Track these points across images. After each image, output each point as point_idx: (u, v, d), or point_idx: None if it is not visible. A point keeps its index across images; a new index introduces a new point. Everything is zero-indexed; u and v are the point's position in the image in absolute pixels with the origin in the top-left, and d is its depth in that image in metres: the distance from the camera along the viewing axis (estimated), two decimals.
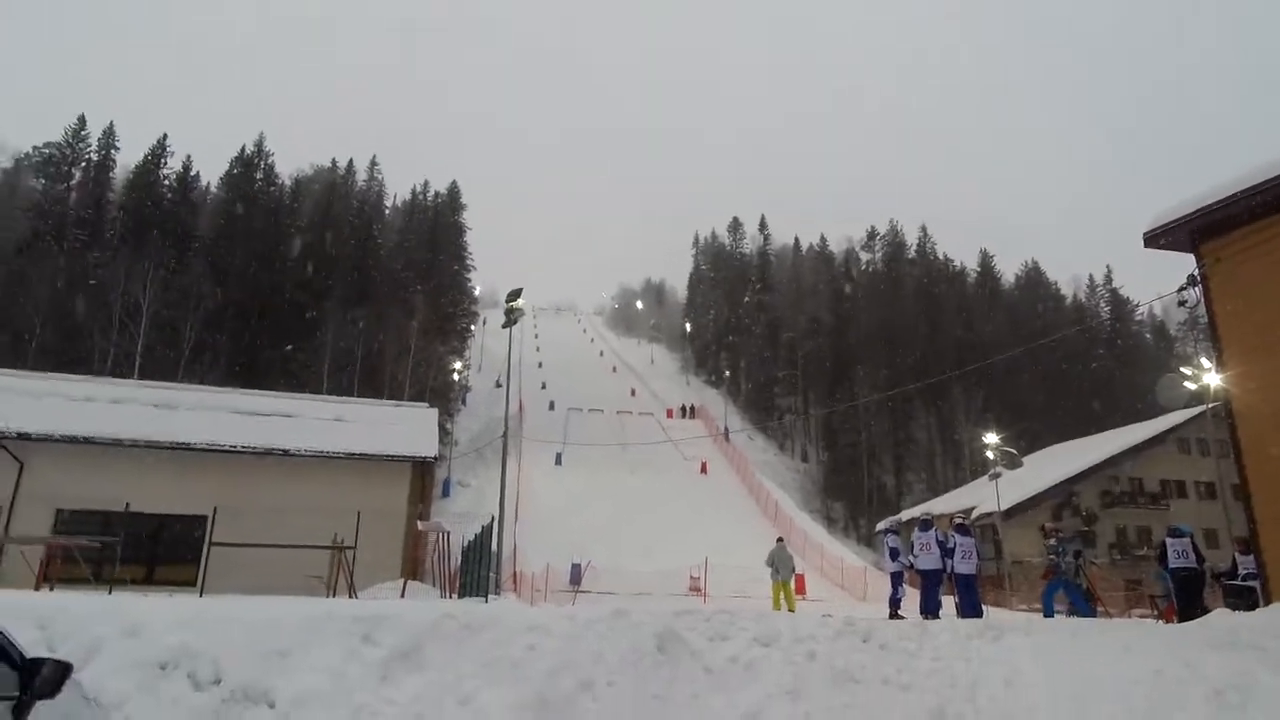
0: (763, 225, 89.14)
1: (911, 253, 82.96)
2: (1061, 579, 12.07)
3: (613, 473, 45.89)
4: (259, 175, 60.94)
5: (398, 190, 79.80)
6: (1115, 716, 5.33)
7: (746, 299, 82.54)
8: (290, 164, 77.58)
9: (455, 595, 16.91)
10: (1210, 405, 33.16)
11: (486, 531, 15.88)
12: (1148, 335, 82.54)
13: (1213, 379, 25.11)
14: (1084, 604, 11.95)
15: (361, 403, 28.89)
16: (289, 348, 50.61)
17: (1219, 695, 5.59)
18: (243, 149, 61.40)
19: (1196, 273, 9.67)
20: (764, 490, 46.53)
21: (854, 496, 62.62)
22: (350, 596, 13.56)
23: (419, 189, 72.88)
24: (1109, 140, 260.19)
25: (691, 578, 28.26)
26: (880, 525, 23.94)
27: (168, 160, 58.90)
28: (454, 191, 71.86)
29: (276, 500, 17.17)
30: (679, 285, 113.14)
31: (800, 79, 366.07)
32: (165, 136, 59.30)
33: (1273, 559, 8.34)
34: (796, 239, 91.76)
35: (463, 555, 18.42)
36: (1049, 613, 12.16)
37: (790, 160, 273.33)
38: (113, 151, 58.89)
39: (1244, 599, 10.04)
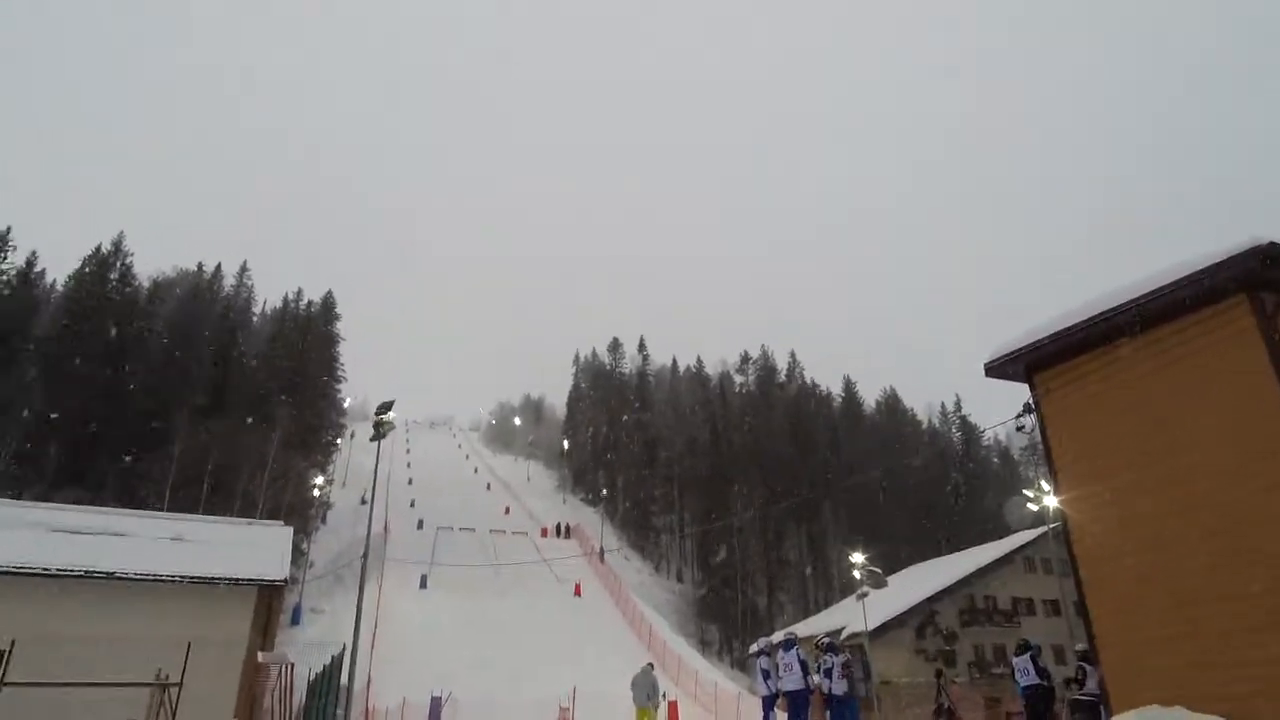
0: (642, 346, 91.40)
1: (782, 377, 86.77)
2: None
3: (482, 596, 43.79)
4: (114, 275, 57.31)
5: (269, 297, 77.13)
6: None
7: (625, 417, 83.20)
8: (152, 265, 73.86)
9: None
10: (1050, 526, 35.62)
11: (336, 663, 14.54)
12: (995, 459, 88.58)
13: (1051, 501, 27.11)
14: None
15: (206, 520, 26.48)
16: (128, 459, 46.32)
17: None
18: (98, 247, 57.88)
19: (1031, 402, 10.54)
20: (639, 613, 45.44)
21: (728, 618, 62.08)
22: None
23: (291, 296, 70.61)
24: (951, 281, 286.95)
25: (561, 708, 26.78)
26: (752, 648, 23.66)
27: (7, 254, 54.54)
28: (329, 301, 69.98)
29: (95, 630, 15.23)
30: (558, 402, 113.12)
31: (682, 209, 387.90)
32: (9, 230, 55.17)
33: (1110, 674, 8.75)
34: (674, 360, 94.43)
35: (308, 690, 16.71)
36: None
37: (671, 286, 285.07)
38: None
39: (1086, 713, 10.47)
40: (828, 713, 12.02)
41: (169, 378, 52.31)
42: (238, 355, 58.27)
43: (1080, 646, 12.64)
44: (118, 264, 57.87)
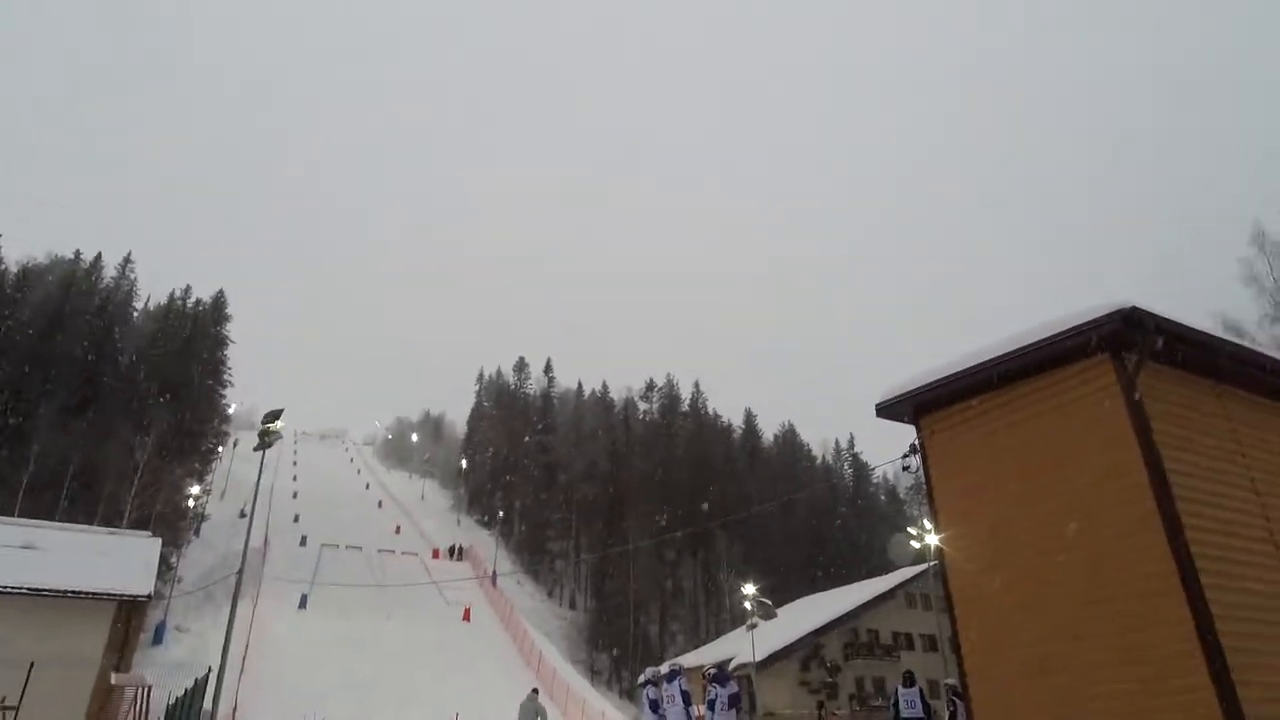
0: (548, 367, 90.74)
1: (685, 406, 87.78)
2: None
3: (366, 618, 42.08)
4: None
5: (154, 294, 72.58)
6: None
7: (527, 439, 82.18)
8: (23, 250, 68.46)
9: None
10: (930, 563, 37.20)
11: (200, 686, 13.63)
12: (883, 497, 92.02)
13: (932, 539, 28.37)
14: None
15: (64, 528, 24.47)
16: None
17: None
18: None
19: (917, 442, 11.04)
20: (529, 639, 44.66)
21: (620, 646, 61.72)
22: None
23: (179, 294, 66.60)
24: (861, 314, 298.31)
25: None
26: (641, 677, 23.65)
27: None
28: (219, 300, 66.33)
29: None
30: (459, 420, 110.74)
31: (591, 234, 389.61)
32: None
33: (978, 709, 9.16)
34: (580, 383, 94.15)
35: (166, 716, 15.58)
36: None
37: (582, 307, 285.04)
38: None
39: None
40: None
41: (32, 372, 48.35)
42: (113, 352, 54.45)
43: (950, 680, 13.21)
44: None
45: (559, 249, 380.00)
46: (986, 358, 9.39)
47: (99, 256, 62.11)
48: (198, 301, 66.10)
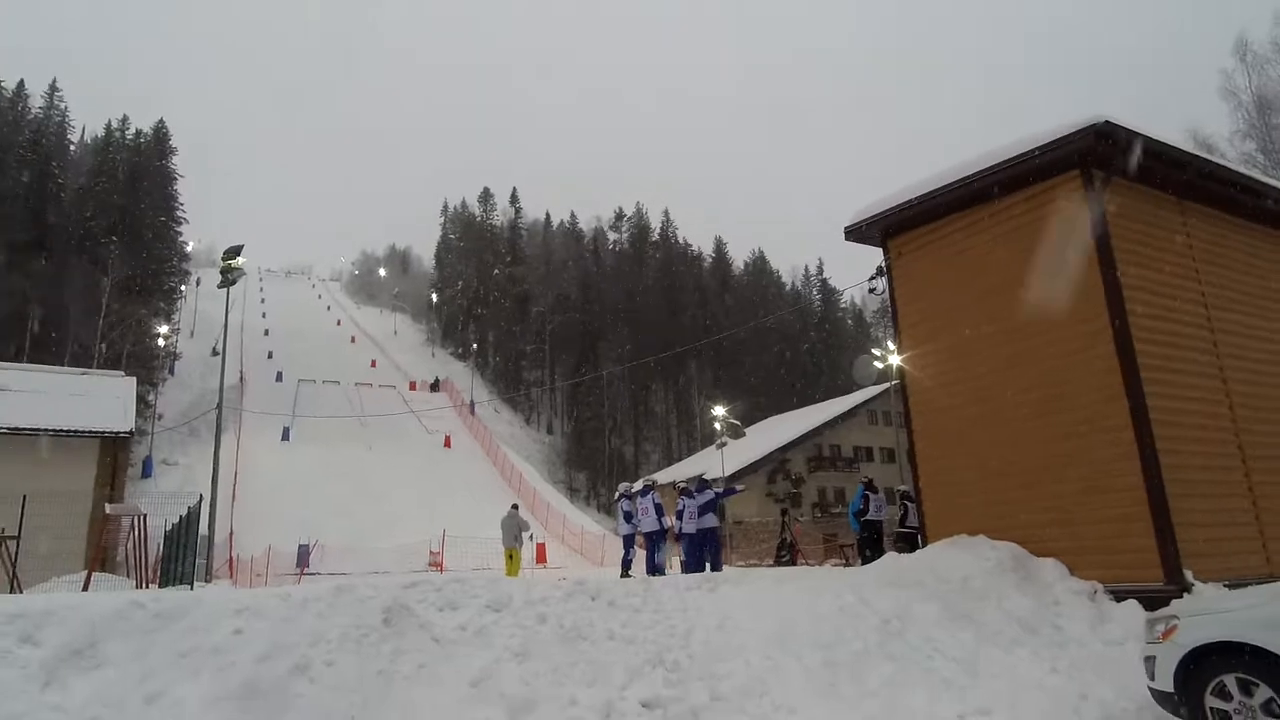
0: (514, 198, 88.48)
1: (655, 235, 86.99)
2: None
3: (349, 448, 43.44)
4: None
5: (88, 124, 68.11)
6: (808, 645, 6.07)
7: (496, 272, 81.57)
8: None
9: (156, 586, 14.98)
10: (892, 383, 38.72)
11: (194, 513, 14.24)
12: (850, 321, 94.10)
13: (895, 359, 29.40)
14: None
15: (34, 369, 24.41)
16: None
17: (885, 624, 6.61)
18: None
19: (884, 264, 11.15)
20: (508, 463, 46.65)
21: (596, 466, 64.88)
22: (12, 592, 11.47)
23: (116, 124, 62.51)
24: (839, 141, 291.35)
25: (431, 553, 27.65)
26: (617, 492, 25.10)
27: None
28: (161, 131, 62.51)
29: None
30: (425, 254, 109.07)
31: (567, 63, 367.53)
32: None
33: (930, 510, 9.91)
34: (548, 214, 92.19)
35: (165, 541, 16.37)
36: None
37: (548, 136, 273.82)
38: None
39: (910, 544, 11.91)
40: (681, 547, 13.03)
41: None
42: (55, 190, 51.85)
43: (902, 487, 14.15)
44: None
45: (523, 61, 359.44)
46: (955, 177, 9.32)
47: (21, 84, 57.56)
48: (138, 133, 62.32)
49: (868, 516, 13.44)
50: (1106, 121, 7.89)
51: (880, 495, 13.91)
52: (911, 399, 10.48)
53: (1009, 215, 9.19)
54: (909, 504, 12.55)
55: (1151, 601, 6.34)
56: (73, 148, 61.19)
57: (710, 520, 12.69)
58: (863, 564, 11.67)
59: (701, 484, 13.59)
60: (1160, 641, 4.81)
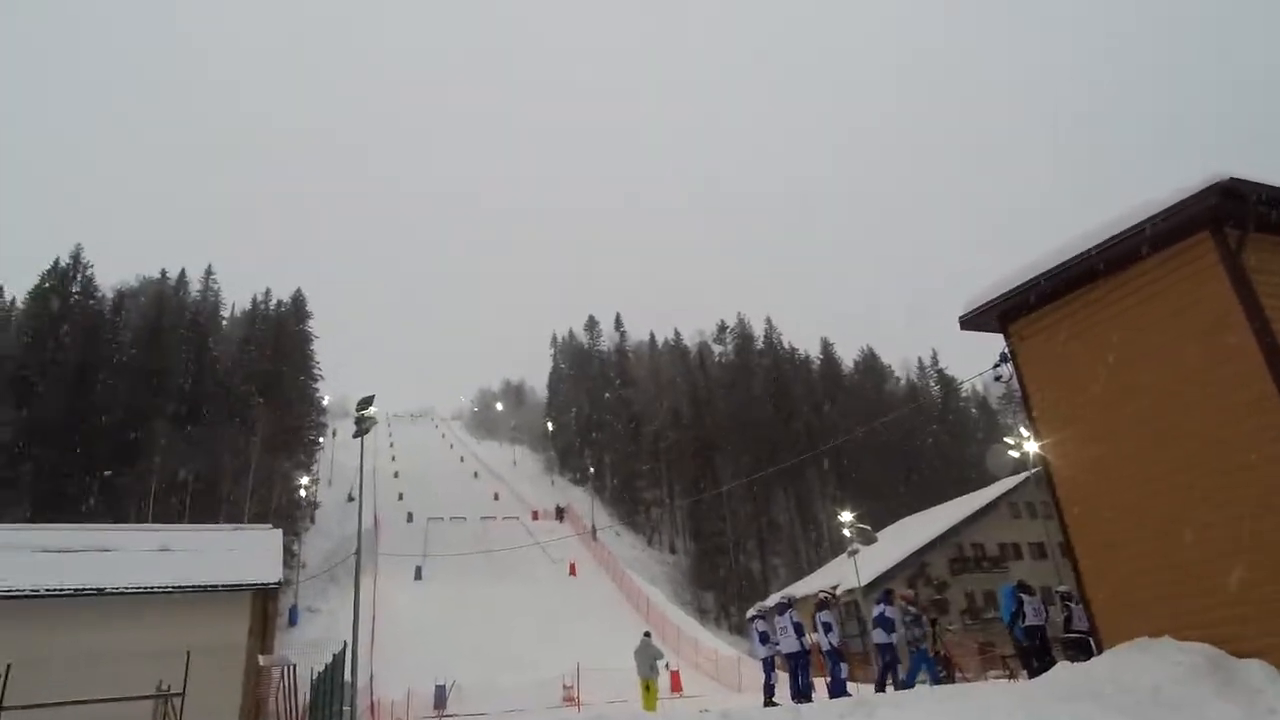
0: (618, 323, 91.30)
1: (760, 343, 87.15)
2: (920, 651, 12.45)
3: (478, 582, 43.96)
4: (75, 289, 56.16)
5: (236, 300, 75.89)
6: None
7: (607, 395, 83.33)
8: (114, 275, 72.48)
9: None
10: (1031, 471, 36.29)
11: (338, 660, 14.58)
12: (973, 410, 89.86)
13: (1031, 446, 27.61)
14: (934, 671, 12.39)
15: (192, 529, 26.31)
16: (108, 474, 45.72)
17: None
18: (56, 261, 56.63)
19: (1006, 351, 10.69)
20: (634, 586, 45.88)
21: (722, 585, 62.84)
22: None
23: (260, 298, 69.56)
24: (924, 236, 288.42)
25: (565, 686, 27.08)
26: (750, 612, 24.02)
27: None
28: (299, 299, 69.12)
29: (90, 647, 15.17)
30: (538, 385, 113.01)
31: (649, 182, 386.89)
32: None
33: (1098, 610, 8.98)
34: (652, 334, 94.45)
35: (312, 689, 16.76)
36: (910, 684, 12.40)
37: (645, 260, 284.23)
38: None
39: (1081, 650, 10.77)
40: (829, 668, 12.22)
41: (141, 389, 51.52)
42: (210, 361, 57.49)
43: (1062, 587, 12.93)
44: (78, 276, 56.74)
45: (587, 195, 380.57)
46: (1072, 254, 8.97)
47: (183, 272, 65.30)
48: (279, 303, 68.87)
49: (1027, 622, 12.27)
50: (1232, 178, 7.51)
51: (1036, 596, 12.72)
52: (1058, 489, 9.73)
53: (1136, 286, 8.71)
54: (1072, 605, 11.43)
55: None
56: (225, 323, 68.07)
57: (880, 636, 12.00)
58: (1029, 676, 10.61)
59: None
60: None
